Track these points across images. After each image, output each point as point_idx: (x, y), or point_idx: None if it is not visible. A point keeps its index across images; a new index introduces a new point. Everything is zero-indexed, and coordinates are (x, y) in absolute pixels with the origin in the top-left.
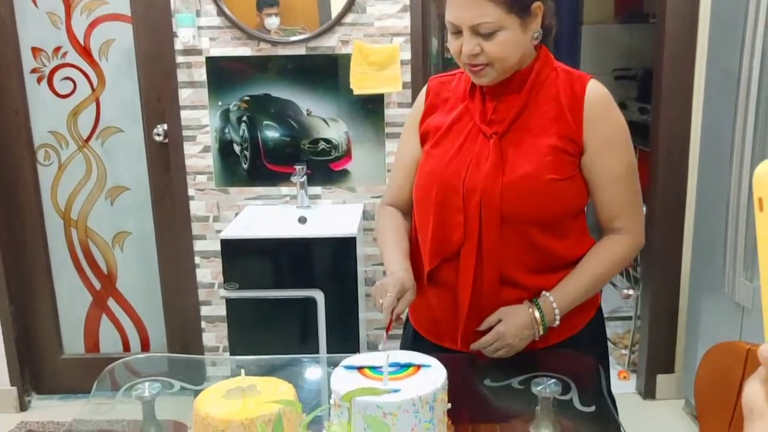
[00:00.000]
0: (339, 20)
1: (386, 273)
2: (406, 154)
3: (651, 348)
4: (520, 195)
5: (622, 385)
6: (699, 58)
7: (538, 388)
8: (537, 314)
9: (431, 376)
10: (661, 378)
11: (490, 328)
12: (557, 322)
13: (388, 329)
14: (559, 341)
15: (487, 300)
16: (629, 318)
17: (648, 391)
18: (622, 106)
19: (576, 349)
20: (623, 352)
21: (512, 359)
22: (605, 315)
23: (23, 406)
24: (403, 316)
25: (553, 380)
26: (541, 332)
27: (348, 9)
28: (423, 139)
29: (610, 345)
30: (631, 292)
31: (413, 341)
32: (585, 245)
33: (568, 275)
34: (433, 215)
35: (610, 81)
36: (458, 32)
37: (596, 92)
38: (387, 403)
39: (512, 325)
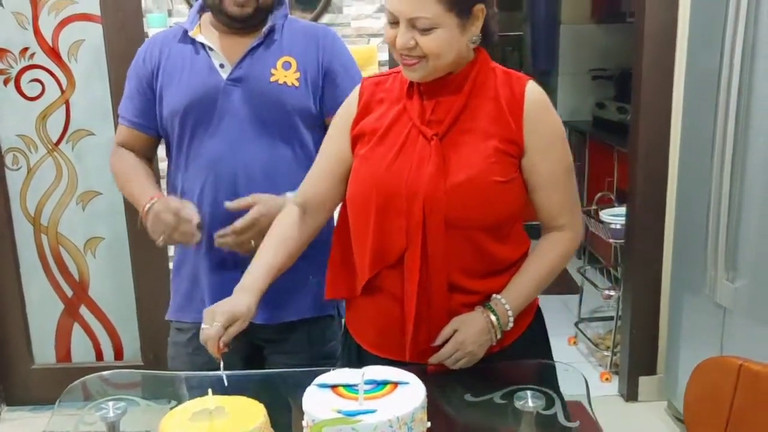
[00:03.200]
0: (315, 20)
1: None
2: (330, 153)
3: (633, 349)
4: (465, 198)
5: (605, 387)
6: (678, 58)
7: (521, 403)
8: (493, 318)
9: (409, 394)
10: (643, 380)
11: (445, 342)
12: (511, 324)
13: (218, 355)
14: (509, 343)
15: (436, 307)
16: (610, 318)
17: (630, 393)
18: (600, 105)
19: (525, 348)
20: (605, 353)
21: (489, 371)
22: (587, 315)
23: None
24: (229, 346)
25: (536, 394)
26: (498, 336)
27: (324, 9)
28: (355, 142)
29: (591, 346)
30: (612, 293)
31: (357, 356)
32: (524, 246)
33: (516, 276)
34: (374, 221)
35: (588, 81)
36: (395, 22)
37: (535, 94)
38: (363, 425)
39: (470, 333)
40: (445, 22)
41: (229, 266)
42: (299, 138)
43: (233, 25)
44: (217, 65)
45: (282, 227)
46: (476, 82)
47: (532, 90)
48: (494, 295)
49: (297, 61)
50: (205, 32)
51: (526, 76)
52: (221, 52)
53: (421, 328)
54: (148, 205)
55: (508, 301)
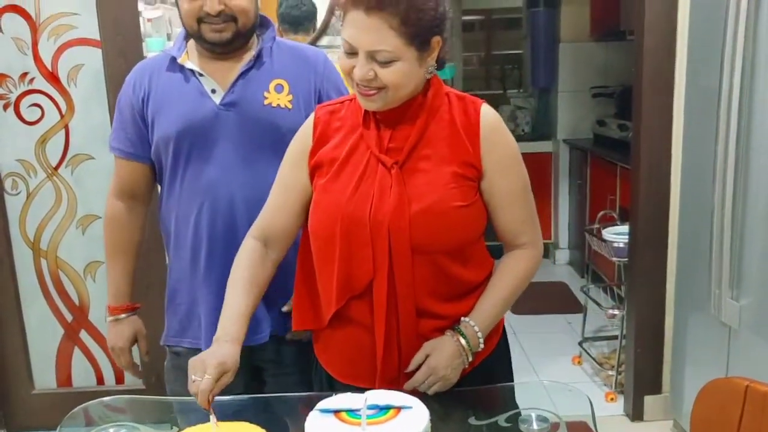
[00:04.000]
0: (314, 42)
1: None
2: (288, 183)
3: (637, 369)
4: (429, 225)
5: (610, 407)
6: (678, 75)
7: (525, 426)
8: (463, 341)
9: (413, 418)
10: (648, 399)
11: (418, 368)
12: (482, 346)
13: (208, 408)
14: (478, 362)
15: (405, 334)
16: (615, 338)
17: (636, 413)
18: (601, 123)
19: (491, 368)
20: (609, 373)
21: (502, 393)
22: (590, 335)
23: None
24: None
25: (541, 416)
26: (470, 359)
27: (323, 31)
28: (314, 173)
29: (596, 366)
30: (616, 311)
31: (329, 385)
32: (488, 267)
33: (482, 297)
34: (339, 252)
35: (588, 99)
36: (353, 53)
37: (490, 116)
38: None
39: (442, 358)
40: (405, 55)
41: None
42: None
43: (215, 50)
44: (208, 90)
45: (248, 267)
46: (431, 109)
47: (487, 113)
48: (463, 318)
49: (289, 84)
50: (193, 58)
51: (479, 100)
52: (211, 77)
53: (392, 356)
54: (110, 319)
55: (476, 323)
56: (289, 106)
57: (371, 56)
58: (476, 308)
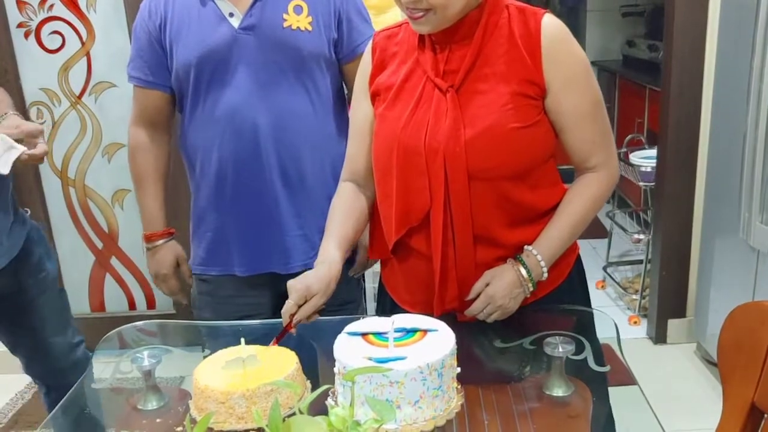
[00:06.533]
0: None
1: None
2: (359, 119)
3: (662, 292)
4: (486, 149)
5: (633, 330)
6: None
7: (550, 348)
8: (523, 271)
9: (439, 341)
10: (672, 323)
11: (478, 296)
12: (545, 275)
13: (280, 336)
14: (545, 294)
15: (462, 262)
16: (639, 262)
17: (659, 336)
18: (630, 43)
19: (562, 298)
20: (633, 297)
21: (520, 319)
22: (615, 259)
23: None
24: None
25: (566, 339)
26: (531, 288)
27: None
28: (374, 99)
29: (619, 290)
30: (641, 236)
31: (391, 310)
32: (558, 193)
33: (548, 224)
34: (396, 182)
35: (618, 18)
36: None
37: (553, 28)
38: (395, 372)
39: (500, 286)
40: None
41: (254, 217)
42: (315, 83)
43: None
44: (226, 14)
45: (344, 201)
46: (488, 24)
47: (549, 24)
48: (526, 247)
49: (308, 5)
50: None
51: (542, 10)
52: (229, 0)
53: (451, 284)
54: (148, 247)
55: (539, 252)
56: (309, 28)
57: None
58: (541, 236)
